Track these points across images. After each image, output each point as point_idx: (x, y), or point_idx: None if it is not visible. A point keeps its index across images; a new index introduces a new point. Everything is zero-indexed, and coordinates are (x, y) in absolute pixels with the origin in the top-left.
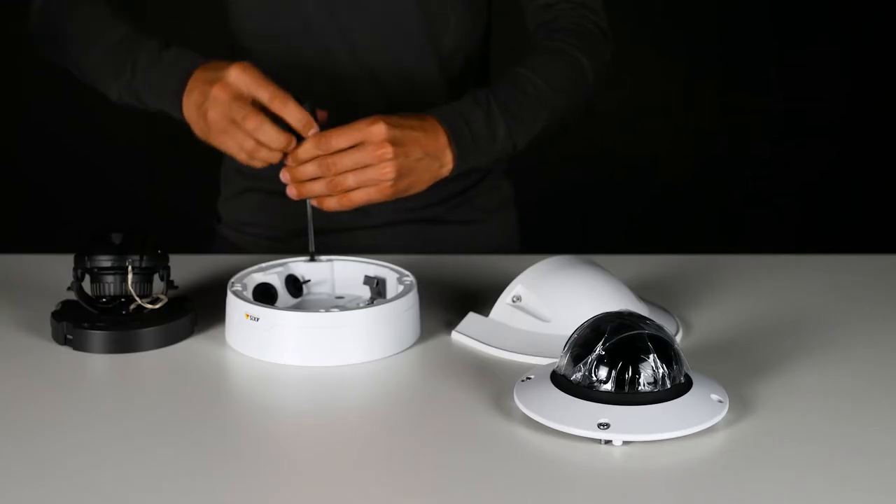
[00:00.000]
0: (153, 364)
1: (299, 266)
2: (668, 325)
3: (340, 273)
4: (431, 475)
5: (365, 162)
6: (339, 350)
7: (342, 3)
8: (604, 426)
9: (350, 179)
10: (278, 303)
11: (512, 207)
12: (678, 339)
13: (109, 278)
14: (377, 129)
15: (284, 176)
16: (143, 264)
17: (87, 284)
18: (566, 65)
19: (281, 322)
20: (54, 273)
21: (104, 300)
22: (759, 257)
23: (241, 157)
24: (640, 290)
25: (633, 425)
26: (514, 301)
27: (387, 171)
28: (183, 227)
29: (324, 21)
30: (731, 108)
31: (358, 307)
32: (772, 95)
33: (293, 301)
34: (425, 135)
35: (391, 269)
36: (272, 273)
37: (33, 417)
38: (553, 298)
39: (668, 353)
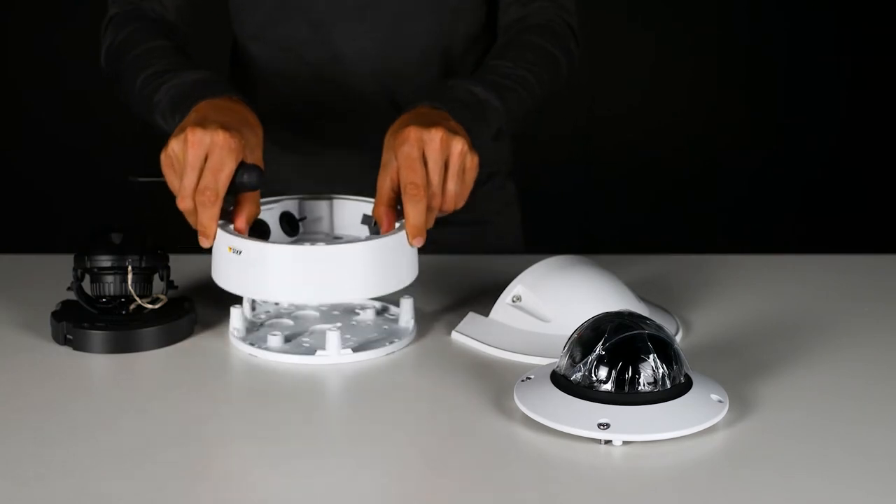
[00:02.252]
0: (153, 364)
1: (296, 204)
2: (668, 325)
3: (339, 212)
4: (431, 475)
5: (441, 158)
6: (328, 286)
7: (352, 8)
8: (604, 426)
9: (451, 185)
10: (272, 241)
11: (516, 208)
12: (678, 339)
13: (109, 278)
14: (412, 133)
15: (419, 241)
16: (143, 264)
17: (86, 284)
18: (545, 59)
19: (264, 256)
20: (54, 273)
21: (104, 300)
22: (759, 257)
23: (179, 199)
24: (640, 290)
25: (633, 425)
26: (514, 301)
27: (457, 146)
28: (183, 227)
29: (332, 27)
30: (732, 108)
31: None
32: (772, 95)
33: (288, 240)
34: (431, 112)
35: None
36: (266, 210)
37: (33, 417)
38: (553, 298)
39: (668, 353)
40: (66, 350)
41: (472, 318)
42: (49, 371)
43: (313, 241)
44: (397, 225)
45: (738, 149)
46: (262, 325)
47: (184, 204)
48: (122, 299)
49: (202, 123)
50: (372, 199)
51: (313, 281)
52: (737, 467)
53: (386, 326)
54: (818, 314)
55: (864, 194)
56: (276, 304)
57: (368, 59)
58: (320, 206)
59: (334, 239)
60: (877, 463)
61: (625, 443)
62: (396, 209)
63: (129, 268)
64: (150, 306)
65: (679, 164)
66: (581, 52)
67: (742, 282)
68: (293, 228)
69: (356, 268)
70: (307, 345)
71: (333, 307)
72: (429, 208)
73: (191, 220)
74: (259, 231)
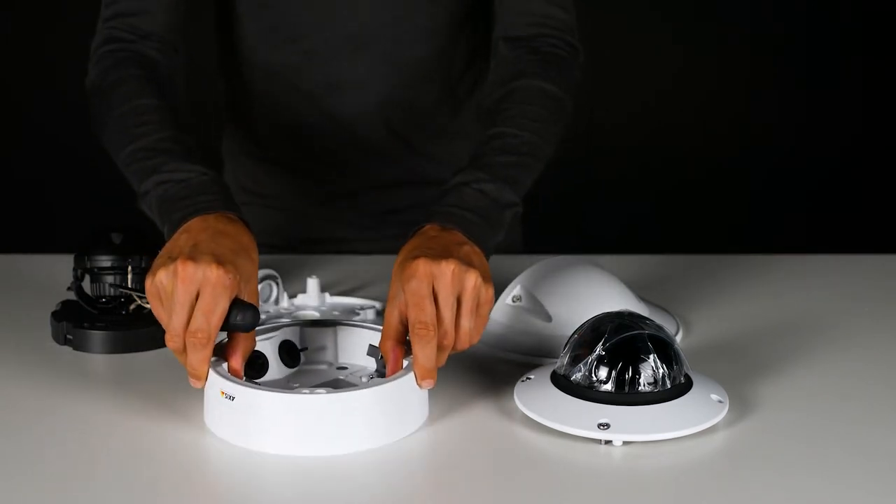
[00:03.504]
0: (153, 364)
1: (297, 332)
2: (668, 325)
3: (343, 340)
4: (431, 475)
5: (453, 295)
6: (331, 436)
7: (347, 35)
8: (604, 426)
9: (465, 322)
10: (270, 374)
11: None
12: (678, 339)
13: (109, 278)
14: (421, 267)
15: (429, 384)
16: (143, 264)
17: (87, 284)
18: (551, 105)
19: (260, 404)
20: (54, 273)
21: (104, 300)
22: (759, 257)
23: (168, 338)
24: (640, 290)
25: (633, 425)
26: (514, 301)
27: (470, 280)
28: None
29: (326, 56)
30: (732, 109)
31: (361, 381)
32: (771, 96)
33: (288, 372)
34: (442, 235)
35: None
36: (263, 340)
37: (33, 417)
38: (553, 298)
39: (668, 353)
40: (66, 350)
41: None
42: (49, 371)
43: (313, 378)
44: (405, 363)
45: (737, 149)
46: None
47: (173, 343)
48: (122, 299)
49: (193, 256)
50: (378, 328)
51: (314, 431)
52: (737, 467)
53: None
54: (818, 314)
55: (864, 194)
56: (276, 304)
57: (365, 88)
58: (323, 334)
59: (338, 370)
60: (877, 463)
61: (625, 443)
62: (405, 343)
63: (129, 268)
64: (149, 306)
65: (679, 164)
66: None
67: (742, 282)
68: (294, 359)
69: (360, 417)
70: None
71: (334, 308)
72: (441, 347)
73: (180, 359)
74: (256, 364)
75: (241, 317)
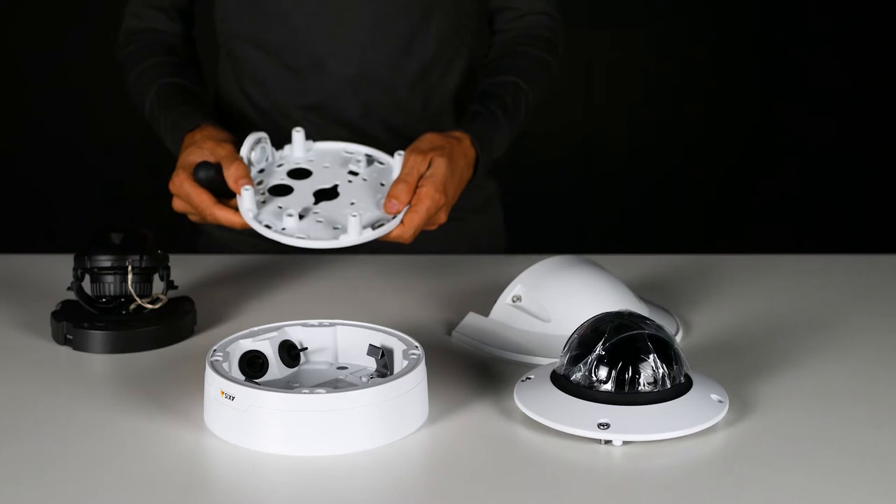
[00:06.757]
0: (153, 364)
1: (297, 331)
2: (668, 325)
3: (343, 340)
4: (431, 475)
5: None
6: (331, 436)
7: (329, 11)
8: (604, 426)
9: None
10: (270, 374)
11: (497, 207)
12: (678, 339)
13: (109, 278)
14: (437, 198)
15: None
16: (143, 264)
17: (87, 284)
18: (546, 74)
19: (260, 404)
20: (54, 273)
21: (104, 300)
22: (759, 257)
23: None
24: (640, 290)
25: (633, 425)
26: (514, 301)
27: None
28: (182, 226)
29: (310, 30)
30: (732, 108)
31: (361, 381)
32: (772, 94)
33: (287, 371)
34: (465, 165)
35: (399, 338)
36: (264, 339)
37: (33, 417)
38: (553, 298)
39: (668, 353)
40: (66, 350)
41: (472, 318)
42: (49, 371)
43: (313, 378)
44: (405, 366)
45: (738, 149)
46: (264, 198)
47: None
48: (122, 299)
49: (170, 183)
50: (378, 327)
51: (314, 431)
52: (737, 467)
53: (384, 182)
54: (818, 314)
55: (863, 194)
56: (268, 161)
57: (344, 63)
58: (323, 334)
59: (338, 370)
60: (877, 463)
61: (625, 443)
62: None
63: (129, 268)
64: (150, 306)
65: (678, 164)
66: (578, 54)
67: (742, 282)
68: (294, 359)
69: (360, 417)
70: (321, 221)
71: (323, 155)
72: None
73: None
74: (256, 363)
75: (202, 172)
